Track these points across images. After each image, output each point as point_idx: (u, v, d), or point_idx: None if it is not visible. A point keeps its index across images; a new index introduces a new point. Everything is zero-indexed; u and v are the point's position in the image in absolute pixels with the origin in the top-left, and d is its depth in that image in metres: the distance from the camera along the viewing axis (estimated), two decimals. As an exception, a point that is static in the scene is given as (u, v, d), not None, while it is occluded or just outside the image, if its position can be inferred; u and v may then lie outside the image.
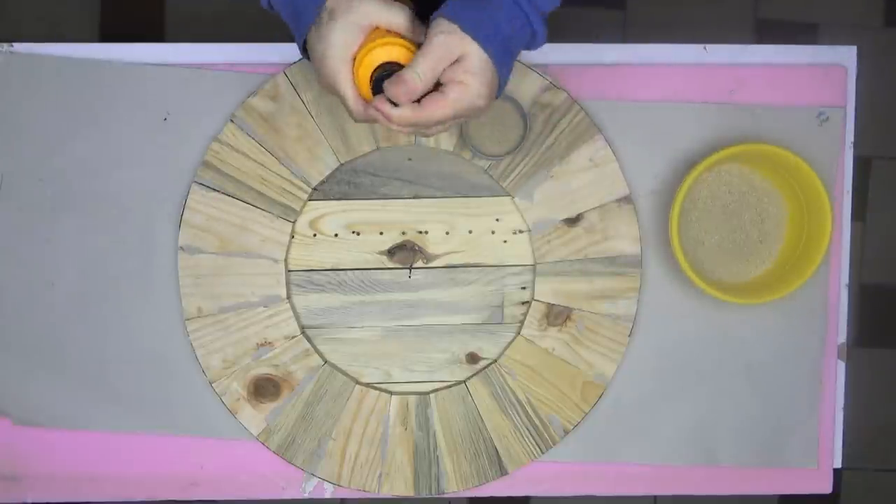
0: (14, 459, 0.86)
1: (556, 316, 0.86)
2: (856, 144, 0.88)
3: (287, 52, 0.85)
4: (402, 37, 0.64)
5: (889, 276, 1.58)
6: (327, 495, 0.87)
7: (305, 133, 0.84)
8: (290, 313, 0.85)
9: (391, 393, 0.86)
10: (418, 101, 0.63)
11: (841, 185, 0.88)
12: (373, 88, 0.65)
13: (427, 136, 0.68)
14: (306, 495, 0.87)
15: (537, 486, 0.88)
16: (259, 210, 0.84)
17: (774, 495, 1.53)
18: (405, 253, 0.86)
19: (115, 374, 0.86)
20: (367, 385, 0.86)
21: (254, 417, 0.85)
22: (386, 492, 0.86)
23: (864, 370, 1.58)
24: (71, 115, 0.85)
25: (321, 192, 0.85)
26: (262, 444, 0.86)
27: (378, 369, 0.87)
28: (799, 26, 1.55)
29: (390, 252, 0.86)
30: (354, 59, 0.65)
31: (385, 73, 0.64)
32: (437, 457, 0.86)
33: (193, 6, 1.51)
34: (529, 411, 0.86)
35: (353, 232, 0.86)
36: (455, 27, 0.62)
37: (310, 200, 0.85)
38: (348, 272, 0.86)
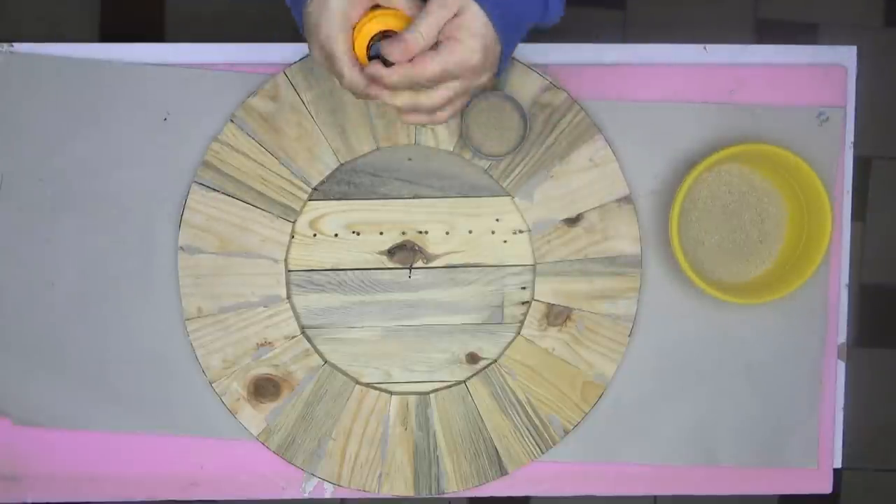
0: (14, 459, 0.86)
1: (556, 316, 0.86)
2: (856, 144, 0.88)
3: (287, 52, 0.85)
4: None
5: (889, 276, 1.58)
6: (327, 495, 0.87)
7: (305, 133, 0.84)
8: (290, 313, 0.85)
9: (391, 393, 0.86)
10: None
11: (841, 185, 0.88)
12: (369, 58, 0.65)
13: (427, 118, 0.66)
14: (306, 495, 0.87)
15: (537, 486, 0.88)
16: (259, 210, 0.84)
17: (774, 495, 1.53)
18: (405, 253, 0.86)
19: (115, 374, 0.86)
20: (367, 385, 0.86)
21: (254, 417, 0.85)
22: (386, 492, 0.86)
23: (864, 370, 1.58)
24: (71, 115, 0.85)
25: (321, 192, 0.85)
26: (262, 444, 0.86)
27: (378, 369, 0.87)
28: (799, 26, 1.55)
29: (390, 252, 0.86)
30: (353, 29, 0.64)
31: (376, 46, 0.64)
32: (437, 457, 0.86)
33: (193, 6, 1.51)
34: (529, 411, 0.86)
35: (353, 232, 0.86)
36: None
37: (310, 200, 0.85)
38: (348, 272, 0.86)
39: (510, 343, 0.86)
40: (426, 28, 0.61)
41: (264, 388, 0.85)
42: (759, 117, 0.86)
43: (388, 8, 0.64)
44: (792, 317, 0.87)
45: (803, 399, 0.88)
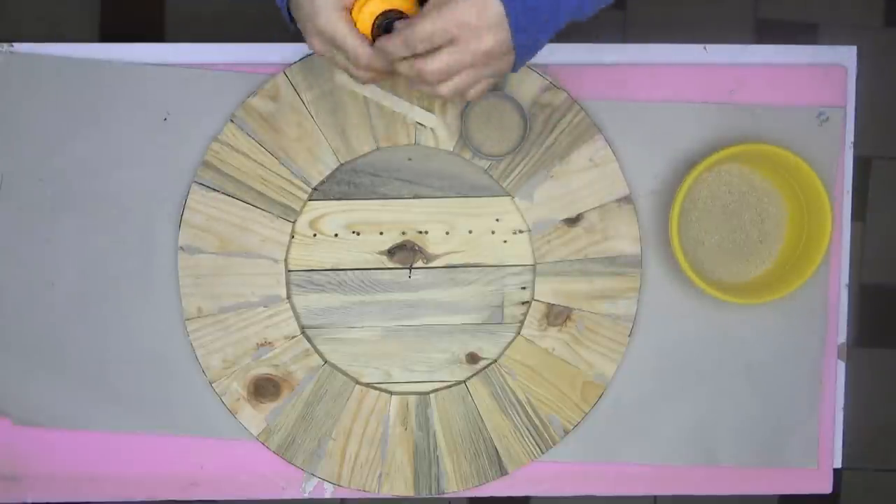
0: (14, 459, 0.86)
1: (556, 316, 0.86)
2: (856, 144, 0.88)
3: (287, 52, 0.85)
4: None
5: (889, 276, 1.58)
6: (327, 495, 0.87)
7: (305, 133, 0.84)
8: (290, 313, 0.85)
9: (391, 393, 0.86)
10: None
11: (841, 185, 0.88)
12: (374, 38, 0.64)
13: (429, 87, 0.64)
14: (306, 495, 0.87)
15: (537, 486, 0.88)
16: (259, 210, 0.84)
17: (774, 495, 1.53)
18: (405, 253, 0.86)
19: (115, 374, 0.86)
20: (367, 385, 0.86)
21: (254, 417, 0.85)
22: (386, 492, 0.86)
23: (864, 370, 1.58)
24: (71, 115, 0.85)
25: (321, 192, 0.85)
26: (262, 444, 0.86)
27: (378, 369, 0.87)
28: (799, 26, 1.55)
29: (390, 252, 0.86)
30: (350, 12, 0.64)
31: (386, 21, 0.63)
32: (437, 457, 0.86)
33: (193, 6, 1.51)
34: (529, 411, 0.86)
35: (353, 232, 0.86)
36: None
37: (310, 200, 0.85)
38: (348, 272, 0.86)
39: (510, 343, 0.86)
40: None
41: (264, 388, 0.85)
42: (759, 117, 0.86)
43: None
44: (792, 317, 0.87)
45: (803, 399, 0.88)
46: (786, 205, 0.87)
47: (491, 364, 0.86)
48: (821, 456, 0.88)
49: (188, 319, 0.85)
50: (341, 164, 0.85)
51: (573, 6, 0.64)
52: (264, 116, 0.84)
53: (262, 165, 0.84)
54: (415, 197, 0.86)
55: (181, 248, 0.84)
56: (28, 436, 0.86)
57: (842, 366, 0.89)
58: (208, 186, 0.84)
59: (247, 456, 0.87)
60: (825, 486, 0.89)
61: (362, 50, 0.64)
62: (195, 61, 0.85)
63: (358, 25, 0.64)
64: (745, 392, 0.88)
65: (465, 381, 0.86)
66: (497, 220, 0.86)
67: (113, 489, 0.87)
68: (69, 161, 0.85)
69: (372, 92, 0.83)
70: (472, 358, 0.87)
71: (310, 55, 0.84)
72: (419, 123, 0.84)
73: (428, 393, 0.86)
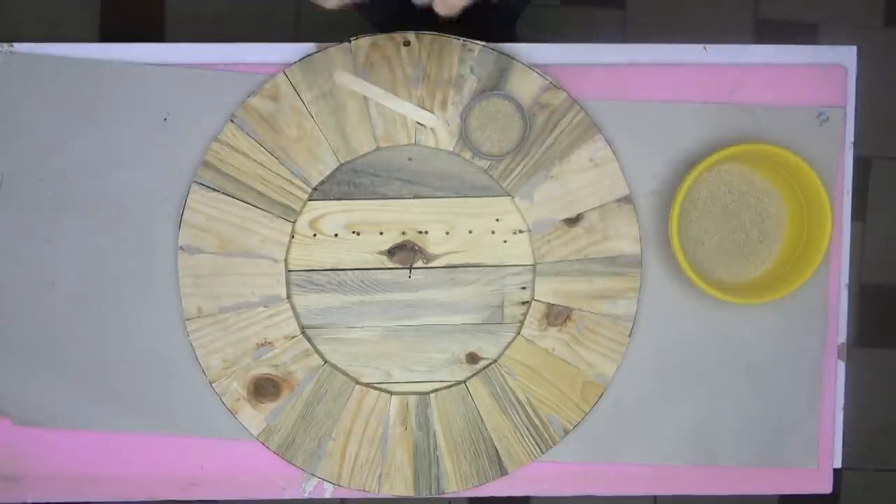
0: (14, 459, 0.86)
1: (556, 316, 0.86)
2: (856, 144, 0.89)
3: (287, 52, 0.85)
4: None
5: (889, 276, 1.58)
6: (327, 495, 0.87)
7: (305, 133, 0.84)
8: (290, 313, 0.85)
9: (391, 393, 0.86)
10: None
11: (841, 185, 0.88)
12: None
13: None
14: (306, 495, 0.87)
15: (537, 486, 0.88)
16: (259, 210, 0.84)
17: (774, 495, 1.53)
18: (405, 253, 0.86)
19: (115, 374, 0.86)
20: (367, 385, 0.86)
21: (254, 417, 0.85)
22: (386, 492, 0.86)
23: (864, 370, 1.58)
24: (71, 115, 0.85)
25: (321, 192, 0.85)
26: (262, 444, 0.86)
27: (378, 369, 0.87)
28: (799, 26, 1.55)
29: (390, 252, 0.86)
30: None
31: None
32: (437, 457, 0.86)
33: (193, 6, 1.50)
34: (529, 411, 0.86)
35: (353, 232, 0.86)
36: None
37: (310, 200, 0.85)
38: (348, 272, 0.86)
39: (510, 343, 0.86)
40: None
41: (264, 388, 0.85)
42: (759, 117, 0.86)
43: None
44: (792, 317, 0.87)
45: (803, 399, 0.88)
46: (786, 205, 0.87)
47: (491, 364, 0.86)
48: (821, 456, 0.88)
49: (188, 319, 0.85)
50: (341, 164, 0.85)
51: None
52: (264, 116, 0.84)
53: (262, 165, 0.84)
54: (415, 197, 0.86)
55: (181, 248, 0.84)
56: (28, 436, 0.86)
57: (842, 366, 0.89)
58: (208, 186, 0.84)
59: (247, 456, 0.87)
60: (825, 486, 0.89)
61: None
62: (195, 61, 0.85)
63: None
64: (745, 392, 0.88)
65: (465, 381, 0.86)
66: (497, 220, 0.86)
67: (113, 489, 0.87)
68: (69, 161, 0.85)
69: (372, 92, 0.83)
70: (472, 358, 0.87)
71: (310, 55, 0.84)
72: (419, 123, 0.84)
73: (428, 393, 0.86)
